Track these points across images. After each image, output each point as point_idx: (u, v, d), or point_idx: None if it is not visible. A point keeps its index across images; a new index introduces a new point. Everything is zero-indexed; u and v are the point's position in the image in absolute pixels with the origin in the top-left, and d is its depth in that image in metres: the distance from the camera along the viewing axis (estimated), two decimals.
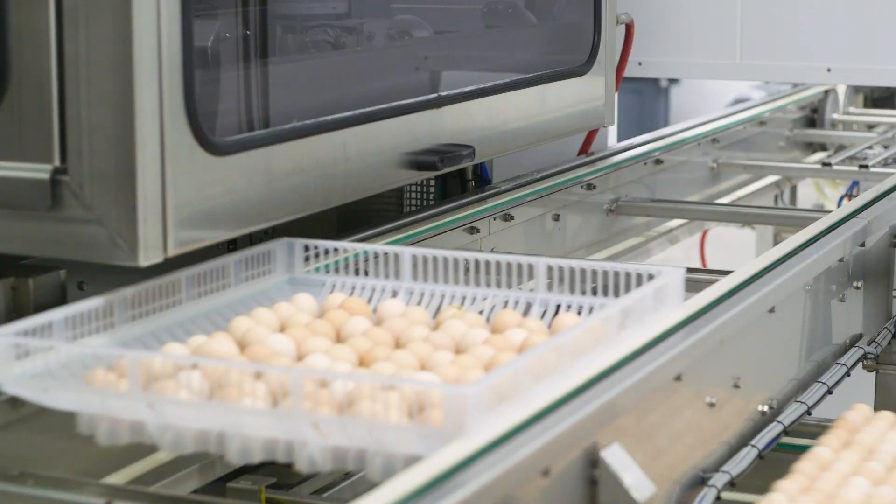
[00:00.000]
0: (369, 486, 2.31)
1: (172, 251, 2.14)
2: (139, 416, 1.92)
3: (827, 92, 5.21)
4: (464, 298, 2.33)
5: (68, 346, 1.99)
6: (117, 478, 2.14)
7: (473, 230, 3.03)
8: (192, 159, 2.17)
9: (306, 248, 2.41)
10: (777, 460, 2.70)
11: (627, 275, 2.27)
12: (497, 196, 3.18)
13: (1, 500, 1.95)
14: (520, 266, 2.34)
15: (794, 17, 4.06)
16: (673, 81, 10.37)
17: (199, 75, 2.18)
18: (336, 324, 2.20)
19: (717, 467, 2.27)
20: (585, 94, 3.40)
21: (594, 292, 2.28)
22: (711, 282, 2.47)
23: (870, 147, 4.74)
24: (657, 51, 4.16)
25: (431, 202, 3.34)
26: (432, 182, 3.29)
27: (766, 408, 2.50)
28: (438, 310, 2.31)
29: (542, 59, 3.45)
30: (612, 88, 3.52)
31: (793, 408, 2.56)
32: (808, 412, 2.58)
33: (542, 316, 2.28)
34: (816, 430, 2.74)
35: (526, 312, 2.28)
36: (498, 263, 2.35)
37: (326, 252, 2.42)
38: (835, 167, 4.41)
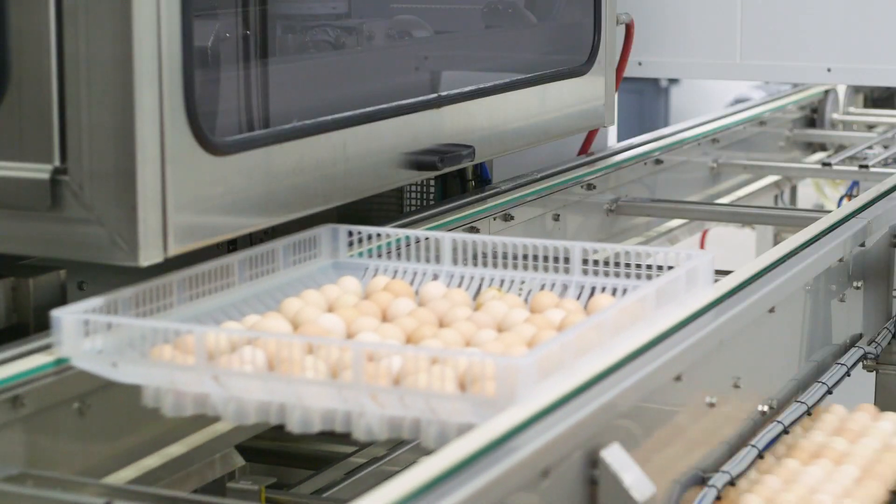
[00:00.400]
0: (369, 485, 2.31)
1: (172, 251, 2.14)
2: (204, 388, 2.00)
3: (827, 92, 5.21)
4: (502, 281, 2.43)
5: (138, 322, 2.07)
6: (117, 478, 2.14)
7: (473, 230, 3.03)
8: (192, 159, 2.17)
9: (350, 234, 2.51)
10: None
11: (659, 262, 2.40)
12: (497, 196, 3.18)
13: (1, 500, 1.95)
14: (556, 250, 2.43)
15: (794, 17, 4.06)
16: (673, 81, 10.36)
17: (199, 75, 2.18)
18: (382, 305, 2.29)
19: (717, 467, 2.27)
20: (585, 94, 3.40)
21: (627, 276, 2.40)
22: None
23: (870, 147, 4.74)
24: (657, 51, 4.16)
25: (431, 202, 3.34)
26: (432, 182, 3.29)
27: (766, 408, 2.50)
28: (478, 292, 2.41)
29: (542, 59, 3.45)
30: (612, 88, 3.52)
31: (793, 408, 2.56)
32: (808, 412, 2.58)
33: (578, 297, 2.37)
34: None
35: (562, 294, 2.39)
36: (535, 247, 2.44)
37: (369, 237, 2.53)
38: (835, 167, 4.41)
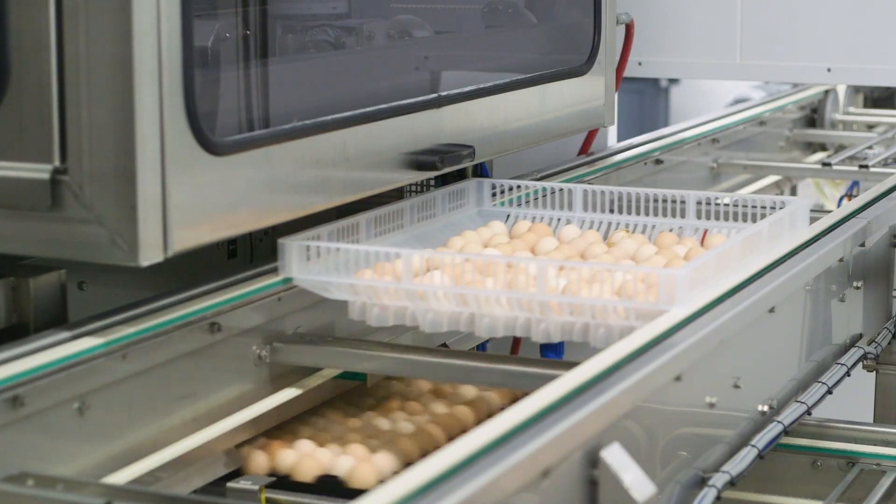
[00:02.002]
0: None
1: (172, 251, 2.14)
2: (404, 302, 2.41)
3: (827, 92, 5.21)
4: (627, 225, 2.88)
5: (353, 247, 2.51)
6: (117, 478, 2.14)
7: None
8: (192, 159, 2.17)
9: (493, 186, 2.98)
10: (777, 460, 2.70)
11: (763, 205, 2.83)
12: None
13: (1, 500, 1.95)
14: (673, 199, 2.87)
15: (794, 17, 4.06)
16: (673, 81, 10.36)
17: (199, 75, 2.18)
18: (529, 243, 2.75)
19: (717, 467, 2.27)
20: (585, 94, 3.40)
21: (735, 219, 2.83)
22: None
23: (870, 147, 4.74)
24: (657, 51, 4.16)
25: None
26: (432, 182, 3.29)
27: (766, 408, 2.50)
28: (607, 234, 2.86)
29: (542, 59, 3.44)
30: (612, 88, 3.52)
31: (793, 408, 2.56)
32: (808, 412, 2.58)
33: (693, 236, 2.81)
34: (816, 430, 2.74)
35: (680, 235, 2.83)
36: (654, 196, 2.89)
37: (510, 189, 2.99)
38: (835, 167, 4.40)
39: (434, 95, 2.85)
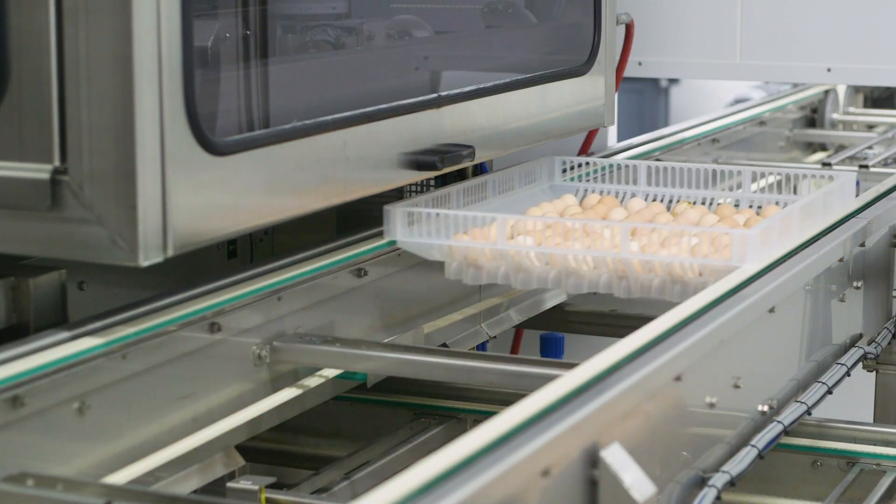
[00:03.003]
0: (369, 485, 2.31)
1: (172, 251, 2.14)
2: (497, 263, 2.70)
3: (827, 92, 5.21)
4: (688, 198, 3.15)
5: (452, 212, 2.79)
6: (117, 478, 2.14)
7: None
8: (192, 159, 2.17)
9: (563, 163, 3.27)
10: (777, 460, 2.70)
11: (812, 177, 3.12)
12: None
13: (1, 500, 1.95)
14: (730, 173, 3.22)
15: (794, 17, 4.06)
16: (673, 81, 10.36)
17: (199, 75, 2.18)
18: (600, 213, 3.00)
19: (717, 467, 2.27)
20: (585, 94, 3.40)
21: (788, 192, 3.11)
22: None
23: (870, 147, 4.74)
24: (657, 51, 4.16)
25: None
26: (432, 182, 3.29)
27: (766, 408, 2.50)
28: (669, 206, 3.12)
29: (542, 59, 3.44)
30: (612, 88, 3.52)
31: (793, 408, 2.55)
32: (808, 412, 2.58)
33: (750, 208, 3.08)
34: (816, 430, 2.74)
35: (737, 206, 3.09)
36: (713, 171, 3.19)
37: (579, 165, 3.29)
38: (835, 167, 4.40)
39: (434, 95, 2.85)
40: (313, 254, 2.59)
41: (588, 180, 3.25)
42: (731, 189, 3.19)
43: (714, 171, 3.17)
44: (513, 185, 3.14)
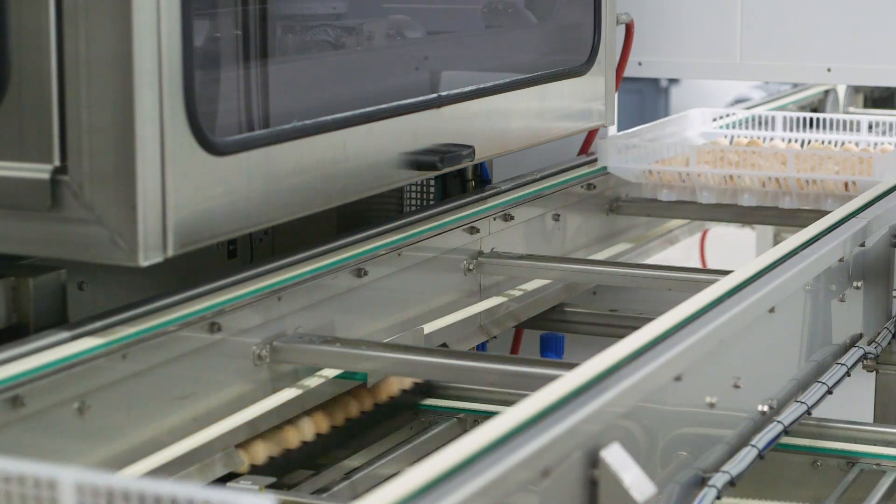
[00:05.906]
0: (368, 486, 2.31)
1: (172, 251, 2.14)
2: (686, 183, 3.47)
3: (827, 92, 5.21)
4: (819, 141, 3.88)
5: (651, 144, 3.52)
6: None
7: (473, 230, 3.03)
8: (192, 159, 2.17)
9: (712, 114, 3.99)
10: (777, 460, 2.70)
11: None
12: (497, 196, 3.18)
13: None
14: (850, 122, 3.98)
15: (794, 17, 4.06)
16: (673, 81, 10.36)
17: (199, 75, 2.18)
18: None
19: (717, 467, 2.27)
20: (585, 94, 3.40)
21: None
22: (711, 282, 2.47)
23: None
24: (657, 51, 4.16)
25: (431, 202, 3.33)
26: (432, 182, 3.29)
27: (766, 408, 2.50)
28: (802, 146, 3.82)
29: (542, 59, 3.45)
30: (612, 88, 3.52)
31: (793, 408, 2.55)
32: (808, 412, 2.58)
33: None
34: (816, 430, 2.74)
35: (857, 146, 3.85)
36: (834, 119, 3.99)
37: (725, 115, 4.02)
38: None
39: (434, 95, 2.85)
40: (313, 254, 2.59)
41: (732, 128, 3.98)
42: (851, 131, 3.94)
43: (836, 120, 3.99)
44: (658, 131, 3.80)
